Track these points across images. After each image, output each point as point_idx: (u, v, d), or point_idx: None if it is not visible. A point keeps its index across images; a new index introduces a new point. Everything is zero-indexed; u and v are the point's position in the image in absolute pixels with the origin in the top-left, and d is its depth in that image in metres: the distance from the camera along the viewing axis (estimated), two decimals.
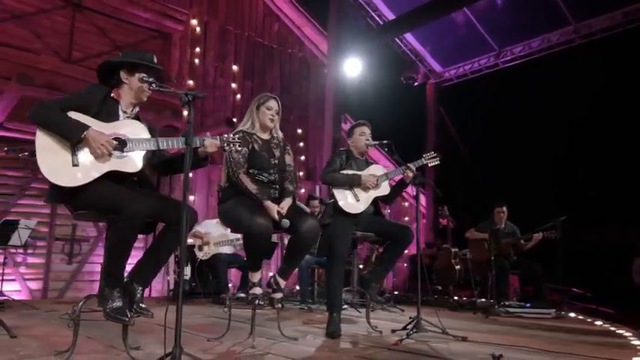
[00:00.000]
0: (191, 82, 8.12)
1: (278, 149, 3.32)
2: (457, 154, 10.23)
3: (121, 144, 2.45)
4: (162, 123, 6.53)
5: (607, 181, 7.32)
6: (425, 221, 10.53)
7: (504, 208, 6.07)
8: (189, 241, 6.41)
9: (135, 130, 2.53)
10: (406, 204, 10.77)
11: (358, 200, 3.64)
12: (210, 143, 2.58)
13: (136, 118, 2.66)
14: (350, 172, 3.70)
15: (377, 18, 9.57)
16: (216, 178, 7.69)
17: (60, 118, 2.34)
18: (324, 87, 9.36)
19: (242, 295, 4.91)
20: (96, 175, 2.36)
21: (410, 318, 3.53)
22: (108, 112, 2.52)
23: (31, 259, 6.57)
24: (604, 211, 7.07)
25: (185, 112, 7.94)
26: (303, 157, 9.48)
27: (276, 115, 3.33)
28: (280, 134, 3.42)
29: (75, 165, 2.35)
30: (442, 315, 4.96)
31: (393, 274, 7.96)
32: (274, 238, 6.14)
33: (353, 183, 3.64)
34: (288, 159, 3.36)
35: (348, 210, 3.59)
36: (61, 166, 2.33)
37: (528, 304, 5.46)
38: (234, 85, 8.74)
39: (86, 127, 2.35)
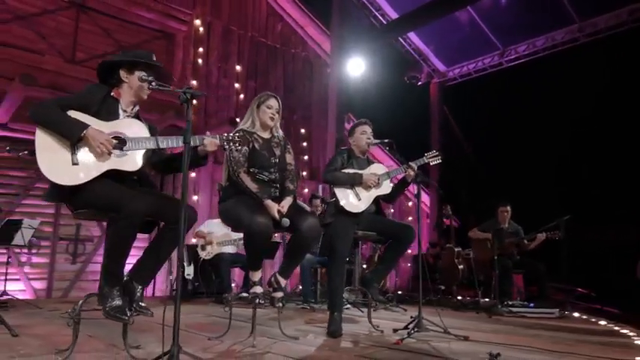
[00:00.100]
0: (194, 83, 8.13)
1: (278, 148, 3.31)
2: (461, 154, 10.19)
3: (121, 143, 2.45)
4: (166, 123, 6.56)
5: (611, 181, 7.27)
6: (429, 221, 10.50)
7: (508, 208, 6.04)
8: (193, 240, 6.43)
9: (135, 128, 2.53)
10: (410, 203, 10.75)
11: (359, 199, 3.63)
12: (209, 142, 2.58)
13: (136, 117, 2.67)
14: (351, 171, 3.69)
15: (380, 17, 9.55)
16: (220, 177, 7.70)
17: (59, 117, 2.35)
18: (327, 87, 9.36)
19: (244, 294, 4.91)
20: (95, 173, 2.37)
21: (411, 317, 3.51)
22: (108, 111, 2.52)
23: (35, 259, 6.61)
24: (608, 211, 7.02)
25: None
26: (306, 157, 9.48)
27: (276, 113, 3.33)
28: (281, 133, 3.42)
29: (75, 164, 2.35)
30: (445, 315, 4.96)
31: (395, 273, 7.94)
32: (277, 237, 6.15)
33: (354, 182, 3.63)
34: (289, 158, 3.35)
35: (349, 209, 3.58)
36: (61, 164, 2.33)
37: (532, 304, 5.43)
38: (237, 85, 8.75)
39: (86, 125, 2.36)
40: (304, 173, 9.37)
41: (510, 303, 5.44)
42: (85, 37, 7.17)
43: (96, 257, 7.02)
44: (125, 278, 2.50)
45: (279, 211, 2.98)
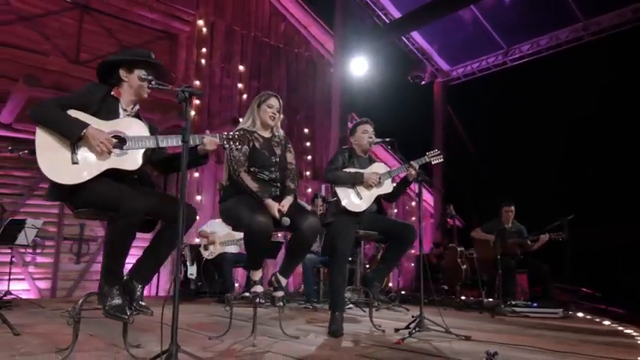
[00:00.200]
0: (197, 83, 8.16)
1: (279, 147, 3.31)
2: (465, 153, 10.16)
3: (121, 142, 2.46)
4: (169, 123, 6.56)
5: (615, 179, 7.23)
6: (432, 220, 10.48)
7: (512, 208, 6.02)
8: (196, 240, 6.45)
9: (135, 128, 2.53)
10: (413, 203, 10.73)
11: (361, 198, 3.62)
12: (209, 141, 2.57)
13: (137, 116, 2.67)
14: (352, 170, 3.69)
15: (383, 16, 9.54)
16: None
17: (59, 117, 2.35)
18: (330, 86, 9.35)
19: (246, 294, 4.91)
20: (96, 172, 2.37)
21: (412, 317, 3.50)
22: (108, 110, 2.53)
23: (39, 259, 6.63)
24: (613, 210, 6.98)
25: (192, 112, 8.01)
26: (309, 157, 9.49)
27: (277, 113, 3.32)
28: (281, 132, 3.41)
29: (74, 163, 2.36)
30: (448, 315, 4.96)
31: (398, 273, 7.92)
32: (280, 237, 6.15)
33: (355, 181, 3.62)
34: (290, 157, 3.35)
35: (350, 208, 3.57)
36: (61, 164, 2.34)
37: (535, 304, 5.40)
38: (240, 86, 8.76)
39: (85, 124, 2.36)
40: (307, 173, 9.38)
41: (514, 303, 5.41)
42: (88, 37, 7.20)
43: (100, 257, 7.02)
44: (125, 277, 2.50)
45: (279, 211, 2.98)
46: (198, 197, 7.93)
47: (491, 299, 6.21)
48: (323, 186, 8.81)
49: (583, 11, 8.20)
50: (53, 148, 2.34)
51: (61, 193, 2.41)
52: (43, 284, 6.64)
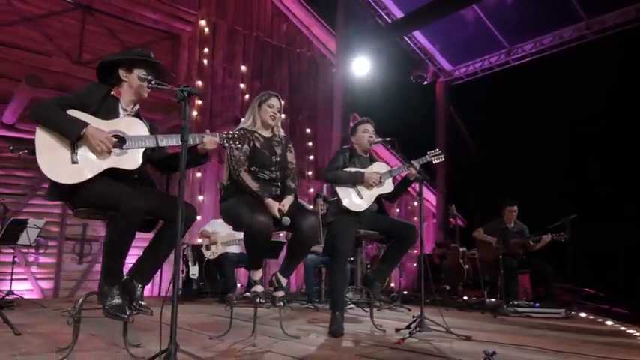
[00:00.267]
0: (200, 83, 8.18)
1: (279, 147, 3.30)
2: (467, 153, 10.14)
3: (121, 141, 2.46)
4: (171, 123, 6.58)
5: (618, 179, 7.19)
6: (435, 221, 10.47)
7: (515, 208, 6.00)
8: (198, 240, 6.45)
9: (135, 127, 2.53)
10: (415, 203, 10.71)
11: (362, 198, 3.62)
12: (209, 140, 2.57)
13: (137, 115, 2.67)
14: (353, 169, 3.68)
15: (385, 16, 9.52)
16: None
17: (59, 116, 2.36)
18: (332, 86, 9.35)
19: (247, 294, 4.92)
20: (95, 172, 2.37)
21: (413, 317, 3.49)
22: (108, 110, 2.53)
23: (42, 259, 6.66)
24: (615, 209, 6.95)
25: (194, 113, 8.02)
26: (311, 157, 9.49)
27: (277, 112, 3.31)
28: (282, 132, 3.41)
29: (74, 162, 2.36)
30: (450, 315, 4.95)
31: (400, 273, 7.91)
32: (282, 237, 6.15)
33: (356, 181, 3.61)
34: (290, 157, 3.34)
35: (351, 208, 3.56)
36: (61, 163, 2.34)
37: (537, 304, 5.38)
38: (242, 86, 8.78)
39: (85, 124, 2.36)
40: (309, 173, 9.38)
41: (516, 303, 5.40)
42: (91, 38, 7.22)
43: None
44: (125, 277, 2.51)
45: (279, 210, 2.98)
46: (201, 197, 7.94)
47: (493, 299, 6.20)
48: (325, 186, 8.81)
49: (586, 10, 8.16)
50: (53, 148, 2.35)
51: (61, 192, 2.41)
52: (46, 284, 6.67)
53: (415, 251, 8.62)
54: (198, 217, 7.66)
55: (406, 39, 9.92)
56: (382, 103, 9.40)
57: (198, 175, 7.95)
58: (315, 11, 9.64)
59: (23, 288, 6.27)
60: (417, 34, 9.95)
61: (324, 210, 5.83)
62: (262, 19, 9.33)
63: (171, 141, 2.50)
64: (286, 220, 2.97)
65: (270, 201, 3.01)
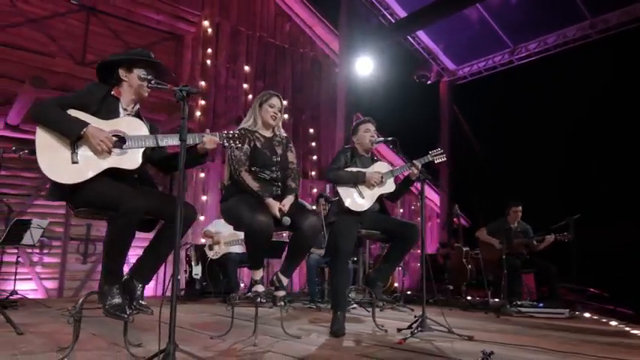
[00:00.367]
0: (203, 83, 8.19)
1: (280, 147, 3.30)
2: (471, 153, 10.11)
3: (121, 141, 2.46)
4: (174, 124, 6.59)
5: (622, 178, 7.14)
6: (439, 220, 10.44)
7: (520, 208, 5.97)
8: (202, 240, 6.46)
9: (135, 127, 2.54)
10: (419, 203, 10.69)
11: (363, 198, 3.61)
12: (209, 140, 2.57)
13: (137, 115, 2.68)
14: (354, 169, 3.67)
15: (388, 16, 9.51)
16: None
17: (59, 116, 2.37)
18: (335, 86, 9.34)
19: (249, 294, 4.94)
20: (95, 172, 2.38)
21: (415, 317, 3.48)
22: (108, 110, 2.53)
23: (46, 259, 6.68)
24: (620, 208, 6.90)
25: (197, 113, 8.04)
26: (315, 157, 9.48)
27: (278, 112, 3.32)
28: (283, 132, 3.41)
29: (74, 162, 2.37)
30: (453, 315, 4.93)
31: (403, 273, 7.90)
32: (284, 237, 6.15)
33: (357, 180, 3.61)
34: (291, 156, 3.34)
35: (353, 208, 3.56)
36: (61, 163, 2.35)
37: (541, 304, 5.36)
38: (245, 86, 8.78)
39: (85, 124, 2.37)
40: (313, 173, 9.38)
41: (519, 303, 5.37)
42: (95, 39, 7.25)
43: None
44: (125, 277, 2.51)
45: (280, 210, 2.98)
46: (204, 197, 7.95)
47: (497, 299, 6.17)
48: (328, 186, 8.81)
49: (590, 9, 8.12)
50: (53, 148, 2.35)
51: (62, 192, 2.42)
52: (50, 284, 6.69)
53: (419, 251, 8.59)
54: (202, 217, 7.72)
55: (409, 38, 9.90)
56: (385, 102, 9.39)
57: (202, 175, 7.96)
58: (318, 11, 9.64)
59: (27, 288, 6.30)
60: (421, 34, 9.93)
61: (326, 210, 5.83)
62: (265, 19, 9.34)
63: (171, 140, 2.50)
64: (287, 220, 2.97)
65: (270, 200, 3.01)
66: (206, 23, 8.39)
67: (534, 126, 8.48)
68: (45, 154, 2.34)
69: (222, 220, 6.12)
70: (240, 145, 2.72)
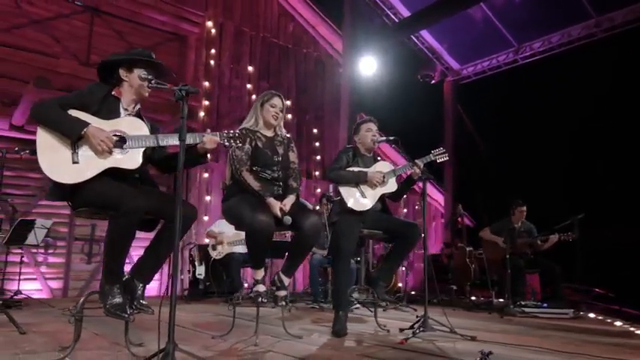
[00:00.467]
0: (207, 84, 8.21)
1: (282, 146, 3.30)
2: (475, 152, 10.07)
3: (121, 141, 2.47)
4: (178, 124, 6.57)
5: (627, 178, 7.08)
6: (443, 220, 10.41)
7: (525, 208, 5.94)
8: (206, 240, 6.48)
9: (135, 127, 2.54)
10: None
11: (365, 197, 3.60)
12: (209, 139, 2.57)
13: (138, 115, 2.68)
14: (356, 169, 3.66)
15: (392, 16, 9.49)
16: None
17: (60, 116, 2.37)
18: (339, 86, 9.33)
19: (252, 294, 4.93)
20: (96, 171, 2.38)
21: (417, 317, 3.47)
22: (109, 110, 2.54)
23: (51, 259, 6.71)
24: (625, 207, 6.84)
25: (201, 113, 8.05)
26: (318, 157, 9.48)
27: (280, 112, 3.31)
28: (284, 132, 3.41)
29: (75, 162, 2.37)
30: (457, 315, 4.92)
31: (406, 273, 7.87)
32: (287, 237, 6.14)
33: (359, 180, 3.60)
34: (292, 156, 3.34)
35: (355, 208, 3.55)
36: (62, 163, 2.36)
37: (545, 304, 5.32)
38: (249, 86, 8.79)
39: (86, 123, 2.37)
40: (316, 173, 9.38)
41: (523, 303, 5.34)
42: (99, 40, 7.27)
43: None
44: (126, 276, 2.52)
45: (281, 209, 2.98)
46: (208, 197, 7.97)
47: (501, 299, 6.14)
48: (331, 186, 8.81)
49: (595, 8, 8.07)
50: (54, 148, 2.36)
51: (62, 192, 2.43)
52: (55, 284, 6.72)
53: (422, 251, 8.57)
54: (205, 218, 7.73)
55: (413, 38, 9.87)
56: (389, 102, 9.36)
57: (206, 175, 7.98)
58: (321, 11, 9.64)
59: (32, 288, 6.34)
60: (425, 33, 9.90)
61: (329, 210, 5.83)
62: (269, 19, 9.35)
63: (171, 140, 2.50)
64: (287, 219, 2.97)
65: (272, 200, 3.01)
66: (210, 24, 8.40)
67: (539, 125, 8.43)
68: (46, 154, 2.35)
69: (225, 220, 6.18)
70: (241, 145, 2.72)
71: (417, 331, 3.27)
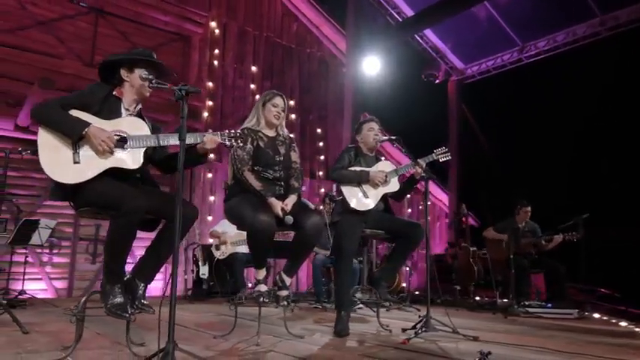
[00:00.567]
0: (210, 84, 8.22)
1: (283, 146, 3.30)
2: (480, 152, 10.03)
3: (122, 141, 2.47)
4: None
5: (632, 177, 7.03)
6: (447, 220, 10.38)
7: (529, 208, 5.91)
8: (209, 240, 6.48)
9: (136, 127, 2.54)
10: (428, 202, 10.62)
11: (367, 197, 3.59)
12: (209, 139, 2.57)
13: (139, 115, 2.68)
14: (358, 168, 3.66)
15: (396, 15, 9.48)
16: None
17: (61, 116, 2.38)
18: (343, 86, 9.32)
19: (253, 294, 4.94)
20: (97, 171, 2.39)
21: (419, 317, 3.46)
22: (110, 110, 2.54)
23: (56, 259, 6.75)
24: (630, 208, 6.79)
25: (205, 114, 8.07)
26: (322, 157, 9.47)
27: (281, 112, 3.31)
28: (286, 131, 3.41)
29: (76, 162, 2.38)
30: (460, 315, 4.90)
31: (410, 273, 7.86)
32: (291, 237, 6.14)
33: (361, 179, 3.59)
34: (294, 156, 3.34)
35: (358, 208, 3.54)
36: (63, 163, 2.36)
37: (549, 304, 5.29)
38: (253, 86, 8.80)
39: (87, 123, 2.38)
40: (320, 173, 9.37)
41: (527, 303, 5.32)
42: (103, 40, 7.31)
43: None
44: (128, 276, 2.52)
45: (282, 209, 2.98)
46: (212, 197, 7.98)
47: (505, 300, 6.11)
48: (335, 186, 8.80)
49: (600, 6, 8.03)
50: (55, 148, 2.37)
51: (64, 192, 2.43)
52: (60, 284, 6.75)
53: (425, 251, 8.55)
54: (209, 218, 7.75)
55: (417, 37, 9.85)
56: (393, 102, 9.34)
57: (209, 175, 7.99)
58: (325, 11, 9.63)
59: (37, 288, 6.37)
60: (428, 33, 9.88)
61: (331, 210, 5.82)
62: (272, 19, 9.35)
63: (172, 140, 2.51)
64: (289, 219, 2.97)
65: (273, 200, 3.01)
66: (213, 24, 8.41)
67: (543, 124, 8.38)
68: (47, 154, 2.36)
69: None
70: (242, 145, 2.71)
71: (420, 331, 3.26)
